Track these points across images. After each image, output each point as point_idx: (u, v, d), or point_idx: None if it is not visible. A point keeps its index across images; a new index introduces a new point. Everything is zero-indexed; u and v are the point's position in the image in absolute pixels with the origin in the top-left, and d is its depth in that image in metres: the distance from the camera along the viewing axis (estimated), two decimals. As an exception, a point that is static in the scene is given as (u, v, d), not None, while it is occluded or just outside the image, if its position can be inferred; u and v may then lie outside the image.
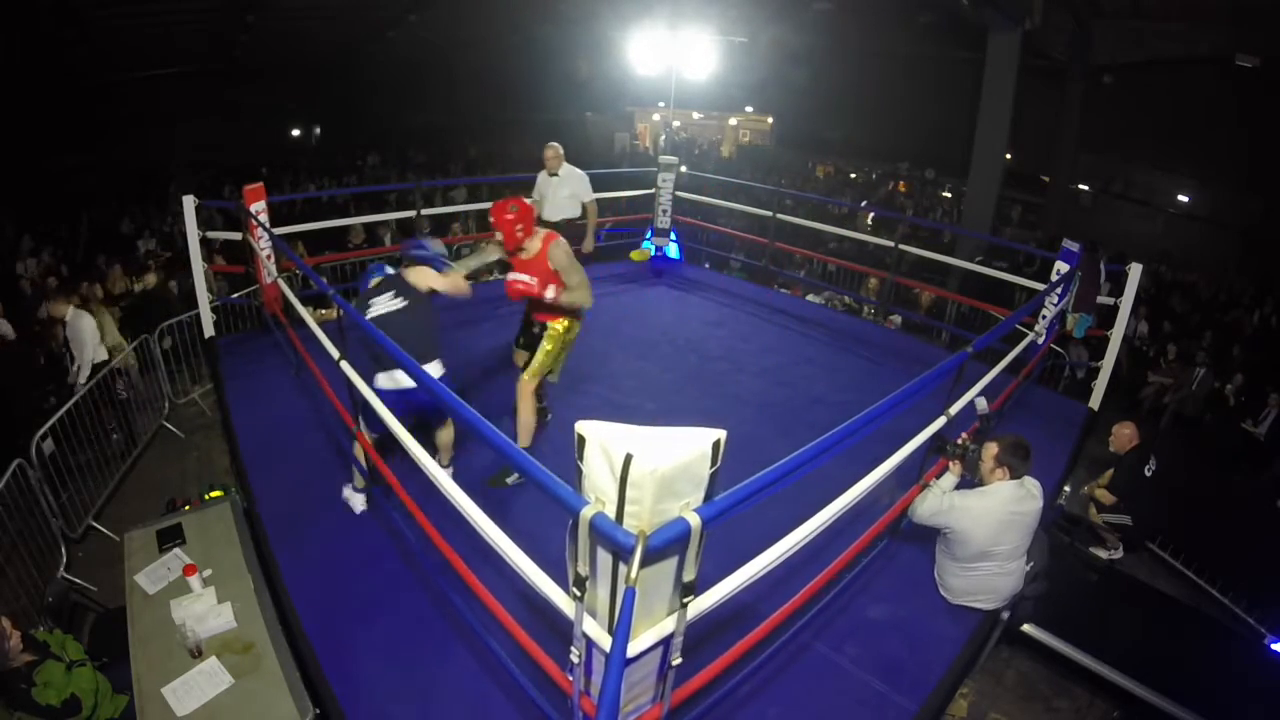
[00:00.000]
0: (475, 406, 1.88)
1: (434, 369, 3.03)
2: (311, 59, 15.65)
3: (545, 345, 3.42)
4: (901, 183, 17.29)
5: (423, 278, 3.14)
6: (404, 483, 2.80)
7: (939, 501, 2.72)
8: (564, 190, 5.23)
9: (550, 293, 3.20)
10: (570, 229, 5.15)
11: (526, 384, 3.41)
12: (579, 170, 5.28)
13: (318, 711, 2.31)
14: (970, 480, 2.89)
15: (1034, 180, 14.18)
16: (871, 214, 12.93)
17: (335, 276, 7.28)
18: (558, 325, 3.41)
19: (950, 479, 2.87)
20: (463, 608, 2.45)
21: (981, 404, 3.09)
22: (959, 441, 2.87)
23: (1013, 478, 2.71)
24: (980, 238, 9.46)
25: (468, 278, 3.34)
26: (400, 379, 2.91)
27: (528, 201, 3.31)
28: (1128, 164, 13.43)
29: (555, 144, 5.24)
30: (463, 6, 13.72)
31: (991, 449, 2.74)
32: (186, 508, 3.53)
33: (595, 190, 5.46)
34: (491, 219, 3.24)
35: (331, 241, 8.58)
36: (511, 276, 3.24)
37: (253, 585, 2.77)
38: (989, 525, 2.65)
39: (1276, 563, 4.50)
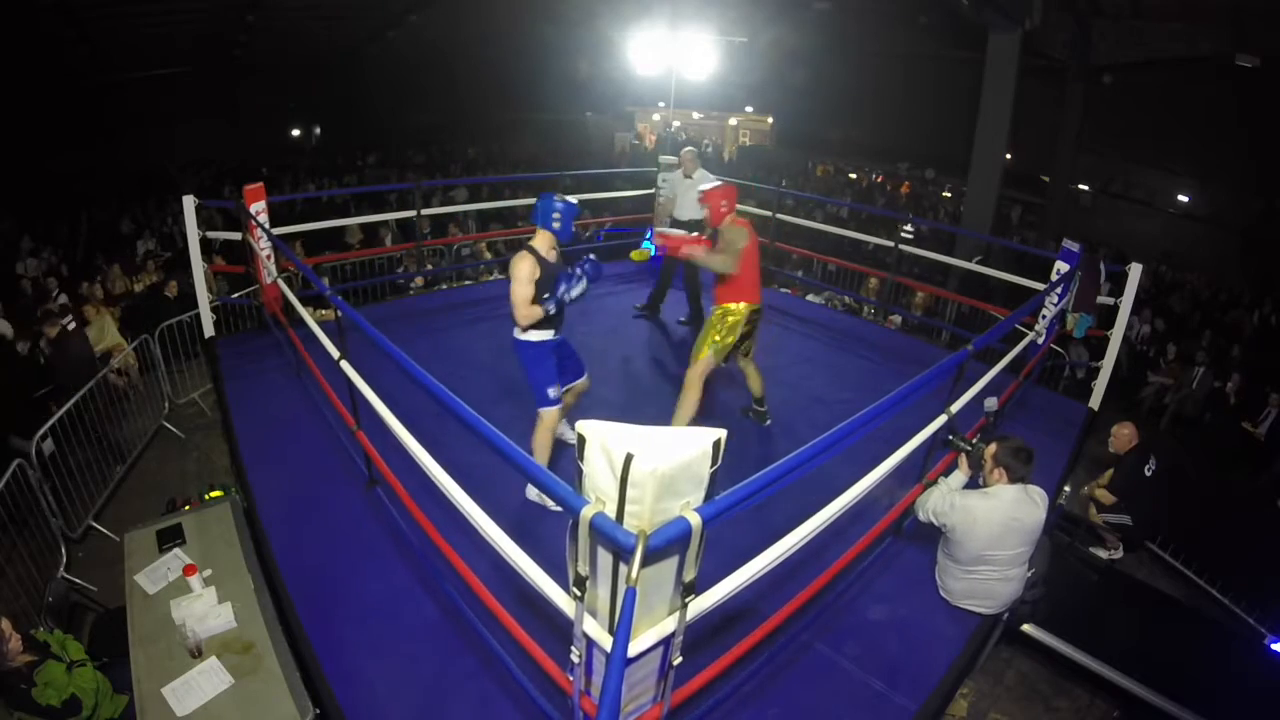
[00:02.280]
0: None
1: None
2: (311, 59, 15.66)
3: (704, 328, 3.73)
4: (905, 184, 17.26)
5: (516, 264, 2.87)
6: (404, 482, 2.80)
7: (944, 500, 2.72)
8: (693, 193, 5.40)
9: (685, 248, 3.65)
10: (697, 229, 5.42)
11: (690, 370, 3.69)
12: (711, 175, 5.45)
13: (318, 711, 2.31)
14: (977, 480, 2.88)
15: (1034, 180, 14.18)
16: (910, 224, 12.65)
17: (335, 277, 7.29)
18: (715, 308, 3.72)
19: (959, 477, 2.87)
20: (463, 607, 2.45)
21: (990, 403, 3.09)
22: (969, 439, 2.87)
23: (1011, 480, 2.69)
24: (980, 238, 9.46)
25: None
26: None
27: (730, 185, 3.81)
28: (1128, 164, 13.43)
29: (692, 148, 5.53)
30: (462, 6, 13.73)
31: (990, 449, 2.73)
32: (186, 508, 3.53)
33: (594, 190, 5.51)
34: (708, 201, 3.68)
35: (331, 241, 8.60)
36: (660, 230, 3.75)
37: (253, 585, 2.77)
38: (989, 528, 2.64)
39: (1276, 563, 4.51)
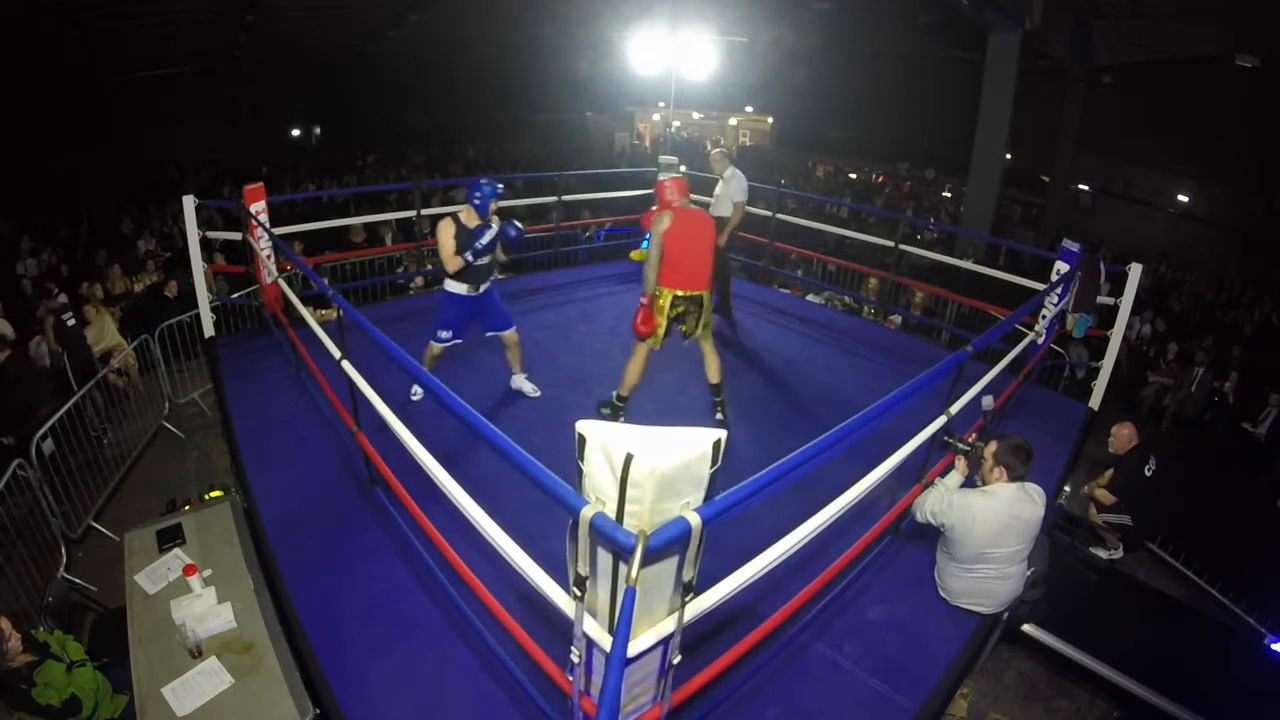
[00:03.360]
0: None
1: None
2: (311, 59, 15.65)
3: None
4: (906, 185, 17.23)
5: (438, 227, 3.75)
6: (404, 482, 2.80)
7: (941, 499, 2.72)
8: (718, 189, 5.53)
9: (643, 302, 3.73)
10: (723, 225, 5.43)
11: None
12: (740, 173, 5.52)
13: (318, 711, 2.31)
14: (975, 480, 2.88)
15: (1034, 180, 14.18)
16: (931, 229, 12.59)
17: (335, 277, 7.28)
18: None
19: (956, 477, 2.87)
20: (463, 607, 2.45)
21: (987, 401, 3.09)
22: (967, 439, 2.87)
23: (1010, 478, 2.69)
24: (981, 238, 9.47)
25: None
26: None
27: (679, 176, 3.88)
28: (1128, 164, 13.43)
29: (721, 148, 5.59)
30: (463, 6, 13.73)
31: (991, 447, 2.73)
32: (186, 508, 3.53)
33: (594, 190, 5.50)
34: (657, 190, 3.82)
35: (331, 241, 8.60)
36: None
37: (253, 585, 2.77)
38: (988, 526, 2.64)
39: (1276, 563, 4.51)
